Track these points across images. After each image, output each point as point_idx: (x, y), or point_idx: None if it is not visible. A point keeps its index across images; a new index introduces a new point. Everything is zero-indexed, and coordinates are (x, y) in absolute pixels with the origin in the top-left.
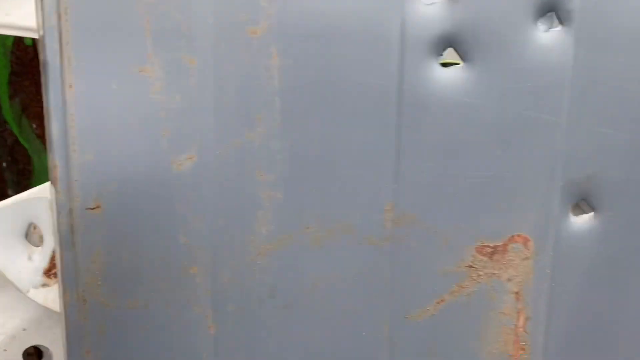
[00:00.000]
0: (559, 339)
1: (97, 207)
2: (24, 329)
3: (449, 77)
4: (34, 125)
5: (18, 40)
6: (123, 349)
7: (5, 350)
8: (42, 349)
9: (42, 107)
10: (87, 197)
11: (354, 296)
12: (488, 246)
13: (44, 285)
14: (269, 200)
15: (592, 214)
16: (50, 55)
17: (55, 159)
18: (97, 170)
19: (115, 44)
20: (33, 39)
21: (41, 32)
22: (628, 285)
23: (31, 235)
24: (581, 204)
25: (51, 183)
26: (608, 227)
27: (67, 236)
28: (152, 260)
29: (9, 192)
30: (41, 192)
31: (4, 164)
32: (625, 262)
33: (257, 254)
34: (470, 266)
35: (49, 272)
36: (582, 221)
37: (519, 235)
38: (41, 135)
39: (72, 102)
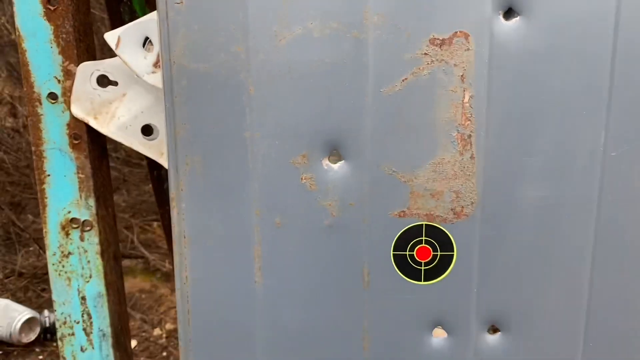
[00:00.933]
0: (497, 112)
1: (181, 2)
2: (142, 112)
3: None
4: None
5: None
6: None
7: (130, 125)
8: (152, 126)
9: None
10: None
11: (342, 74)
12: (438, 39)
13: (153, 72)
14: (286, 5)
15: (518, 17)
16: None
17: None
18: None
19: None
20: None
21: None
22: (548, 73)
23: (147, 44)
24: (511, 9)
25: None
26: (531, 26)
27: (165, 23)
28: (213, 38)
29: None
30: (152, 16)
31: None
32: (545, 54)
33: (279, 41)
34: (425, 53)
35: (156, 64)
36: (511, 23)
37: (461, 32)
38: None
39: None
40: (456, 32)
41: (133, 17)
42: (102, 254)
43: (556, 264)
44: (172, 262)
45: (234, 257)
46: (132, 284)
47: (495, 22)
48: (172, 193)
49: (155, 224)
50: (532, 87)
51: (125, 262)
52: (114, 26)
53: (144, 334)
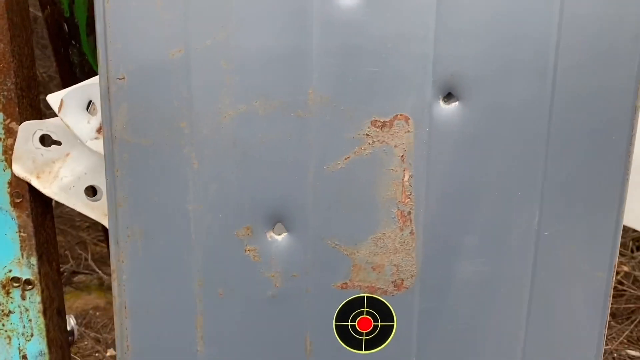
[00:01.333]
0: (436, 191)
1: (123, 77)
2: (85, 173)
3: None
4: None
5: None
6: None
7: (73, 186)
8: (96, 187)
9: None
10: (117, 71)
11: (286, 151)
12: (379, 121)
13: (97, 138)
14: (231, 84)
15: (457, 102)
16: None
17: (101, 53)
18: (122, 54)
19: None
20: None
21: None
22: (485, 154)
23: (91, 107)
24: (450, 94)
25: (98, 72)
26: (469, 110)
27: (106, 98)
28: (156, 113)
29: None
30: (96, 80)
31: None
32: (482, 137)
33: (223, 117)
34: (367, 134)
35: (99, 129)
36: (450, 107)
37: (401, 115)
38: None
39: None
40: (397, 115)
41: (82, 59)
42: (45, 311)
43: (491, 337)
44: None
45: (176, 327)
46: (87, 301)
47: (435, 106)
48: (113, 265)
49: None
50: (470, 167)
51: (80, 278)
52: (60, 67)
53: (97, 354)
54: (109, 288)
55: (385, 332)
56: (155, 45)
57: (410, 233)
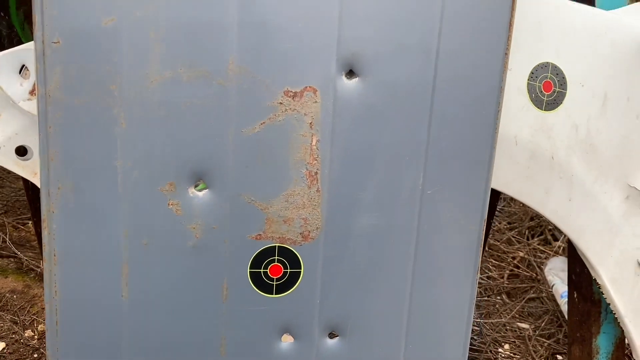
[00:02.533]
0: (339, 154)
1: (58, 42)
2: (16, 134)
3: None
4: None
5: None
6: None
7: (4, 146)
8: (26, 147)
9: None
10: (53, 36)
11: (208, 114)
12: (291, 91)
13: (29, 99)
14: (158, 52)
15: (357, 78)
16: None
17: (37, 18)
18: (58, 21)
19: None
20: None
21: None
22: (380, 124)
23: (24, 71)
24: (351, 72)
25: (34, 36)
26: (367, 85)
27: (41, 59)
28: (88, 75)
29: None
30: (30, 46)
31: None
32: (378, 108)
33: (150, 82)
34: (280, 103)
35: (32, 92)
36: (352, 81)
37: (310, 87)
38: None
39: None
40: (306, 87)
41: (11, 32)
42: None
43: (384, 279)
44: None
45: (102, 274)
46: (3, 284)
47: (339, 81)
48: (44, 214)
49: (29, 222)
50: (367, 135)
51: None
52: None
53: (14, 335)
54: (27, 271)
55: (293, 278)
56: (90, 14)
57: (316, 190)
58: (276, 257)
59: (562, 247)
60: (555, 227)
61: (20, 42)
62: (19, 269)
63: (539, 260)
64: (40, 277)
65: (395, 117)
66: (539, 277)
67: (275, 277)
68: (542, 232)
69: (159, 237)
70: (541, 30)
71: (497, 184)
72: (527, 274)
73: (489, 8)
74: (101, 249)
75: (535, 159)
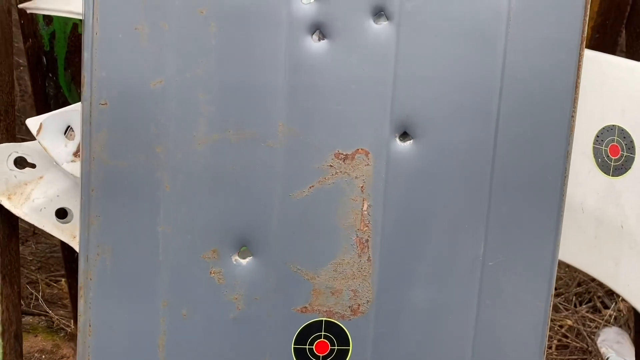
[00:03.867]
0: (392, 220)
1: (106, 103)
2: (58, 195)
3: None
4: (79, 90)
5: (74, 27)
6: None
7: (44, 208)
8: (66, 209)
9: None
10: (100, 97)
11: (255, 178)
12: (342, 154)
13: (73, 161)
14: (207, 114)
15: (412, 140)
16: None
17: (86, 79)
18: (106, 82)
19: None
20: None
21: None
22: (436, 189)
23: (69, 133)
24: (406, 133)
25: (81, 88)
26: (422, 149)
27: (87, 121)
28: (134, 137)
29: None
30: (76, 107)
31: None
32: (434, 172)
33: (198, 144)
34: (331, 165)
35: (76, 153)
36: (405, 144)
37: (362, 149)
38: None
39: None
40: (358, 149)
41: (58, 92)
42: (3, 333)
43: (441, 359)
44: (76, 323)
45: (139, 345)
46: (33, 342)
47: (392, 143)
48: (81, 282)
49: (62, 280)
50: (422, 200)
51: (27, 320)
52: (36, 98)
53: None
54: (57, 330)
55: (341, 356)
56: (139, 75)
57: (367, 260)
58: (323, 333)
59: (613, 316)
60: (606, 294)
61: (66, 103)
62: (49, 327)
63: (588, 329)
64: (70, 337)
65: (453, 181)
66: (590, 349)
67: (321, 355)
68: (590, 299)
69: (199, 308)
70: (606, 91)
71: (563, 255)
72: (577, 344)
73: (554, 68)
74: (139, 320)
75: (603, 228)
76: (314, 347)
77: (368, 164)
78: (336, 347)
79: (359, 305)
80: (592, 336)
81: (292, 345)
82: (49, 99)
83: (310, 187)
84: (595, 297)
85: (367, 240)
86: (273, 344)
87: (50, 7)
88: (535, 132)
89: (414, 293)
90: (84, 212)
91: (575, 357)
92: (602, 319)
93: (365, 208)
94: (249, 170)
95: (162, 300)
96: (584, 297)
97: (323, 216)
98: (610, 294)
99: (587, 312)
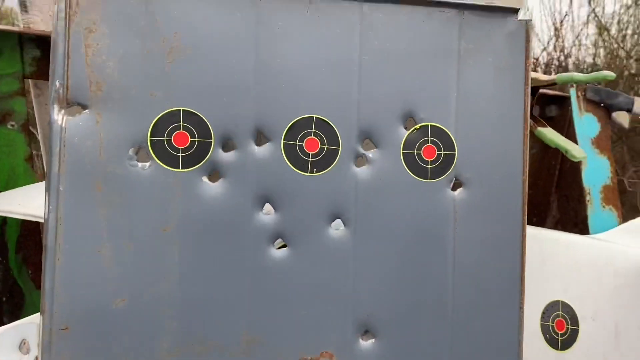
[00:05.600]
0: None
1: (66, 328)
2: None
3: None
4: (30, 272)
5: None
6: None
7: None
8: None
9: (39, 260)
10: (61, 323)
11: None
12: (306, 358)
13: None
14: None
15: (373, 339)
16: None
17: (45, 299)
18: (67, 307)
19: None
20: None
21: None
22: None
23: (22, 346)
24: (368, 332)
25: (40, 314)
26: (384, 347)
27: (47, 349)
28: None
29: (4, 319)
30: (33, 319)
31: (4, 298)
32: None
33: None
34: None
35: None
36: (368, 343)
37: (326, 352)
38: (33, 279)
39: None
40: (322, 352)
41: (7, 274)
42: None
43: None
44: None
45: None
46: None
47: (355, 344)
48: None
49: None
50: None
51: None
52: None
53: None
54: None
55: None
56: (100, 297)
57: None
58: None
59: None
60: None
61: (15, 284)
62: None
63: None
64: None
65: None
66: None
67: None
68: None
69: None
70: (546, 268)
71: None
72: None
73: (499, 257)
74: None
75: None
76: None
77: None
78: None
79: None
80: None
81: None
82: None
83: None
84: None
85: None
86: None
87: (5, 208)
88: (486, 323)
89: None
90: None
91: None
92: None
93: None
94: None
95: None
96: None
97: None
98: None
99: None
